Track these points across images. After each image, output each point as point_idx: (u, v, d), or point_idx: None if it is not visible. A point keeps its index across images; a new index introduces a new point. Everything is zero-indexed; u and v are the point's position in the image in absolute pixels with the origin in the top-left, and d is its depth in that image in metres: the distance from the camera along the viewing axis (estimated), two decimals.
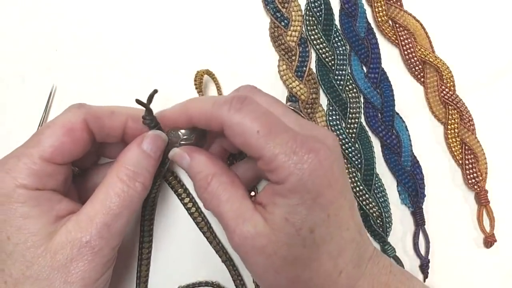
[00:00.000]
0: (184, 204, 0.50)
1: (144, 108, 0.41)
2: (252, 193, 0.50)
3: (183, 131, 0.42)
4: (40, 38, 0.54)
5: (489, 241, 0.53)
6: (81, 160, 0.42)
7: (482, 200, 0.54)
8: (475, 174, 0.54)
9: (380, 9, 0.55)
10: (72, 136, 0.38)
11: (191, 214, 0.50)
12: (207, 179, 0.38)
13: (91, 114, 0.39)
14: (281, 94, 0.54)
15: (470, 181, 0.54)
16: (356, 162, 0.52)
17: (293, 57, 0.53)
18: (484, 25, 0.57)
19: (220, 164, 0.40)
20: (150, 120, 0.41)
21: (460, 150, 0.54)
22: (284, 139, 0.35)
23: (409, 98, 0.56)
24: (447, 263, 0.54)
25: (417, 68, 0.55)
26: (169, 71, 0.54)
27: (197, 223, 0.50)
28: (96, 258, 0.37)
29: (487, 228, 0.54)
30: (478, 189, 0.54)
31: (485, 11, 0.57)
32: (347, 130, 0.53)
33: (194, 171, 0.40)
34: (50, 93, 0.52)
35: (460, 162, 0.54)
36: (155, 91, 0.40)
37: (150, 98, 0.40)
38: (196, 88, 0.51)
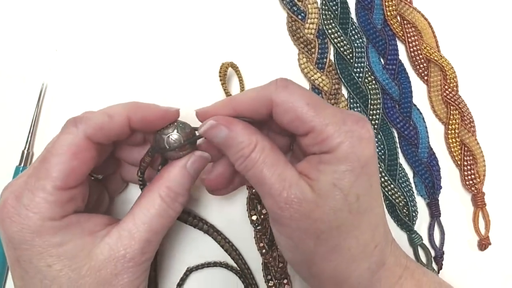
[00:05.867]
0: None
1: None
2: (254, 217, 0.51)
3: (175, 135, 0.41)
4: (40, 38, 0.55)
5: (483, 243, 0.53)
6: (100, 169, 0.44)
7: (478, 202, 0.54)
8: (473, 176, 0.54)
9: (390, 3, 0.55)
10: (80, 159, 0.37)
11: None
12: (251, 146, 0.38)
13: (91, 128, 0.38)
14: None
15: (467, 183, 0.54)
16: (380, 153, 0.53)
17: (313, 50, 0.54)
18: (490, 28, 0.58)
19: (259, 132, 0.40)
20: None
21: (460, 151, 0.55)
22: (332, 112, 0.36)
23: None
24: None
25: (421, 66, 0.56)
26: (183, 71, 0.54)
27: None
28: (138, 271, 0.38)
29: (482, 231, 0.54)
30: (475, 191, 0.54)
31: (492, 15, 0.58)
32: (370, 122, 0.52)
33: (235, 141, 0.39)
34: (41, 91, 0.53)
35: (459, 163, 0.55)
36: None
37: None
38: (220, 80, 0.51)
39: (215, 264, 0.50)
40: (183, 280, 0.50)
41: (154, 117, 0.39)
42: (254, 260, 0.51)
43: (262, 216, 0.50)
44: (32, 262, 0.35)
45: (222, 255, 0.51)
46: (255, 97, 0.38)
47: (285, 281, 0.50)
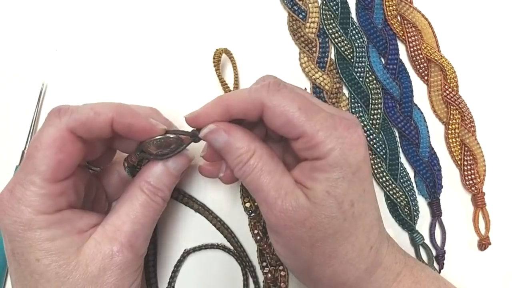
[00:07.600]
0: None
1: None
2: (248, 204, 0.51)
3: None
4: (40, 38, 0.55)
5: (483, 243, 0.53)
6: (97, 161, 0.44)
7: (478, 202, 0.54)
8: (473, 176, 0.54)
9: (390, 3, 0.56)
10: (65, 151, 0.37)
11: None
12: (249, 153, 0.38)
13: (74, 121, 0.37)
14: (303, 87, 0.54)
15: (467, 183, 0.54)
16: (381, 153, 0.53)
17: (314, 49, 0.54)
18: (490, 28, 0.58)
19: (259, 139, 0.40)
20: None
21: (460, 151, 0.54)
22: (323, 117, 0.36)
23: None
24: None
25: (422, 65, 0.56)
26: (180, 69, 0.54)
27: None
28: (127, 266, 0.38)
29: (482, 231, 0.54)
30: (476, 191, 0.54)
31: (492, 15, 0.58)
32: (371, 122, 0.53)
33: (233, 146, 0.39)
34: (41, 91, 0.53)
35: (459, 163, 0.55)
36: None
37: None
38: (214, 66, 0.51)
39: (212, 246, 0.50)
40: (180, 261, 0.50)
41: (139, 128, 0.39)
42: (254, 246, 0.51)
43: (256, 203, 0.49)
44: (24, 254, 0.36)
45: (220, 238, 0.51)
46: (247, 99, 0.38)
47: (280, 267, 0.50)
